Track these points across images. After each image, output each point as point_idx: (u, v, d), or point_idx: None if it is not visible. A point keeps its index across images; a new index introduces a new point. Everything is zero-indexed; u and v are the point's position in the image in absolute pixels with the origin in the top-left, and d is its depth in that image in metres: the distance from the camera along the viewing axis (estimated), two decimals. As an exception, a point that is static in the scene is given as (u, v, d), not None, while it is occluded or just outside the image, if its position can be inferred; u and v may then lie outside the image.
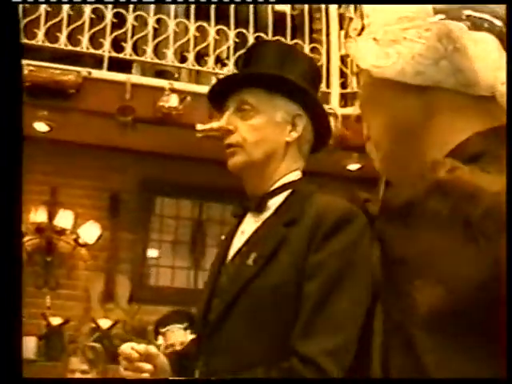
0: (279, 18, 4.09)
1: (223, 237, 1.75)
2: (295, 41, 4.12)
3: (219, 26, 3.97)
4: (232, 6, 3.91)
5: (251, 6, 3.94)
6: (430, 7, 0.84)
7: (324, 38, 4.03)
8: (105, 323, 4.36)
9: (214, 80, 4.21)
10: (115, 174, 4.61)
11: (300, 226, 1.52)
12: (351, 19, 0.99)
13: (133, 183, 4.79)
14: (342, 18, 4.10)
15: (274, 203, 1.59)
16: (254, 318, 1.45)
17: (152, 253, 4.96)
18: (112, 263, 4.64)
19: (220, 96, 1.64)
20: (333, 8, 4.02)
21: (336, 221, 1.49)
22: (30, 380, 1.17)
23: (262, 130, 1.58)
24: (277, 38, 3.93)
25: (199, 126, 4.09)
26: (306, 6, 4.05)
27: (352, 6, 3.98)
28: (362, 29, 0.90)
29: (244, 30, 3.96)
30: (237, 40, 3.95)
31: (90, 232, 4.61)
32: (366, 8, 0.92)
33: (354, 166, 4.53)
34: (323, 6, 4.03)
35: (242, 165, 1.57)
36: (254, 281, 1.48)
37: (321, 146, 1.74)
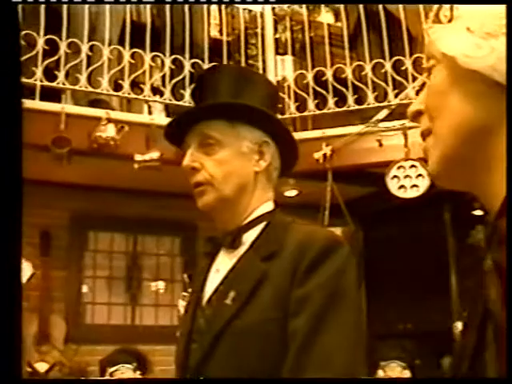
0: (215, 44, 4.11)
1: (185, 276, 1.70)
2: (230, 67, 4.13)
3: (154, 53, 3.94)
4: (168, 33, 3.90)
5: (187, 33, 3.94)
6: None
7: (260, 63, 4.08)
8: (42, 367, 4.16)
9: (146, 108, 4.17)
10: (46, 209, 4.44)
11: (280, 259, 1.45)
12: (440, 6, 0.93)
13: (64, 218, 4.63)
14: (277, 43, 4.19)
15: (248, 237, 1.53)
16: (237, 360, 1.39)
17: (86, 290, 4.78)
18: (45, 303, 4.43)
19: (178, 132, 1.57)
20: (269, 34, 4.10)
21: (319, 251, 1.43)
22: (30, 380, 1.14)
23: (228, 164, 1.52)
24: (213, 64, 3.96)
25: (137, 157, 4.05)
26: (242, 32, 4.11)
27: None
28: (451, 19, 0.87)
29: (180, 57, 3.95)
30: (172, 67, 3.93)
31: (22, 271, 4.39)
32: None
33: (291, 193, 4.57)
34: (259, 32, 4.10)
35: (214, 203, 1.51)
36: (234, 321, 1.41)
37: (287, 171, 1.68)
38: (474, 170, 0.85)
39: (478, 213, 4.91)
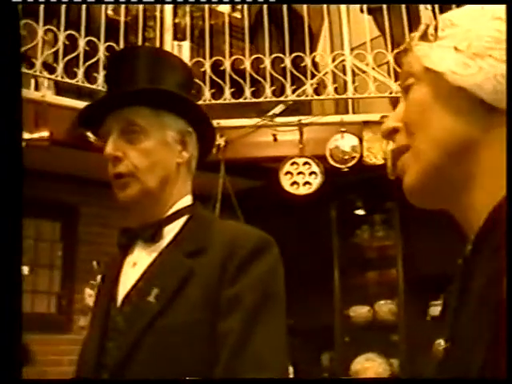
0: (111, 23, 4.02)
1: (95, 262, 1.66)
2: (126, 49, 4.05)
3: (48, 26, 3.80)
4: (63, 7, 3.78)
5: (84, 9, 3.83)
6: None
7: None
8: None
9: (33, 84, 4.02)
10: None
11: (208, 256, 1.42)
12: (427, 27, 0.94)
13: None
14: (176, 28, 4.16)
15: (170, 231, 1.49)
16: (163, 360, 1.35)
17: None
18: None
19: (96, 116, 1.50)
20: (168, 17, 4.06)
21: (251, 250, 1.41)
22: (30, 380, 1.14)
23: (153, 155, 1.47)
24: (108, 44, 3.88)
25: (25, 135, 3.93)
26: (141, 13, 4.05)
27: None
28: (436, 40, 0.90)
29: (75, 33, 3.83)
30: (66, 42, 3.82)
31: None
32: (450, 18, 0.91)
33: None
34: (158, 15, 4.06)
35: (137, 196, 1.46)
36: (159, 319, 1.37)
37: (202, 161, 1.64)
38: (454, 188, 0.86)
39: (361, 212, 5.11)
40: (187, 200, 1.55)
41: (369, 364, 4.69)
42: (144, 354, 1.34)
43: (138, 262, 1.46)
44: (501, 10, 0.88)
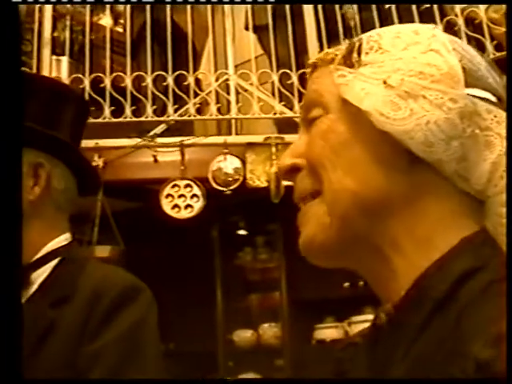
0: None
1: None
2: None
3: None
4: None
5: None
6: (461, 78, 0.77)
7: (35, 61, 4.10)
8: None
9: None
10: None
11: (72, 306, 1.36)
12: (351, 48, 0.84)
13: None
14: (55, 41, 4.21)
15: (38, 276, 1.42)
16: None
17: None
18: None
19: None
20: (47, 31, 4.12)
21: (116, 299, 1.36)
22: (29, 380, 1.14)
23: None
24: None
25: None
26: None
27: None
28: (359, 65, 0.81)
29: None
30: None
31: None
32: (377, 39, 0.82)
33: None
34: (36, 28, 4.11)
35: None
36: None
37: (90, 189, 1.62)
38: (369, 251, 0.79)
39: (243, 233, 5.31)
40: (61, 240, 1.49)
41: None
42: None
43: None
44: (439, 41, 0.80)
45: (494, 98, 0.79)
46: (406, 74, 0.77)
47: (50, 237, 1.48)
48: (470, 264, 0.72)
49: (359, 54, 0.81)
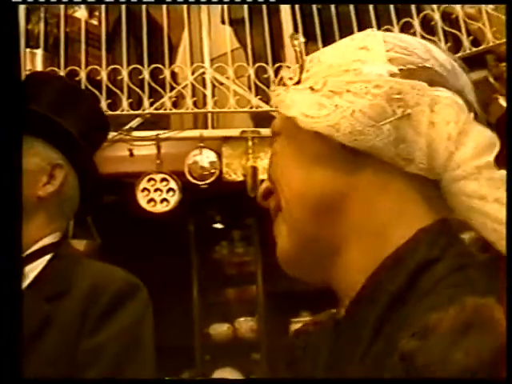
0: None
1: None
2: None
3: None
4: None
5: None
6: (385, 70, 0.79)
7: (8, 54, 4.11)
8: None
9: None
10: None
11: (69, 300, 1.38)
12: (288, 67, 0.91)
13: None
14: (29, 34, 4.21)
15: (32, 270, 1.44)
16: None
17: None
18: None
19: None
20: (21, 23, 4.10)
21: (115, 296, 1.38)
22: (30, 380, 1.14)
23: None
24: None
25: None
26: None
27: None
28: (299, 81, 0.85)
29: None
30: None
31: None
32: (319, 55, 0.86)
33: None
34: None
35: None
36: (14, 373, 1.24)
37: (87, 209, 1.66)
38: (327, 254, 0.82)
39: (219, 226, 5.34)
40: (53, 237, 1.52)
41: (227, 374, 4.89)
42: None
43: None
44: (371, 38, 0.83)
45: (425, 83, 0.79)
46: (332, 75, 0.81)
47: (45, 234, 1.50)
48: (426, 256, 0.73)
49: (301, 72, 0.85)
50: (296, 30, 4.36)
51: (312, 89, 0.81)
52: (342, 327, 0.81)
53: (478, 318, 0.61)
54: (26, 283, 1.43)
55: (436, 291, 0.68)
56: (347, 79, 0.79)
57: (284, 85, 0.87)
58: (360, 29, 2.80)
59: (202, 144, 4.11)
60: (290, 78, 0.86)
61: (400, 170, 0.77)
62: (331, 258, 0.81)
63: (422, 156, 0.76)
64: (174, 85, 4.25)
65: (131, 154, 4.09)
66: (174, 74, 4.37)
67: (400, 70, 0.79)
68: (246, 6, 4.40)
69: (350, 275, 0.80)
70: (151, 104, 4.16)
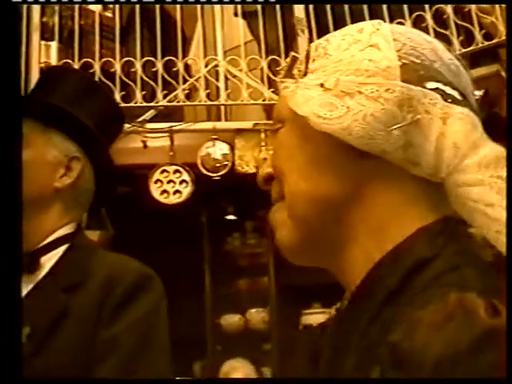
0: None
1: None
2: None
3: None
4: None
5: None
6: (397, 69, 0.80)
7: (24, 47, 4.13)
8: None
9: None
10: None
11: (86, 291, 1.40)
12: (294, 58, 0.90)
13: None
14: (44, 26, 4.24)
15: (47, 261, 1.46)
16: None
17: None
18: None
19: None
20: (35, 16, 4.16)
21: (130, 287, 1.40)
22: (29, 380, 1.15)
23: (28, 167, 1.38)
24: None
25: None
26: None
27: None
28: (306, 73, 0.85)
29: None
30: None
31: None
32: (325, 45, 0.86)
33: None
34: (24, 13, 4.14)
35: None
36: (32, 361, 1.29)
37: (102, 201, 1.68)
38: (331, 249, 0.84)
39: (231, 218, 5.36)
40: (69, 228, 1.54)
41: (239, 364, 4.95)
42: None
43: None
44: (380, 35, 0.83)
45: (436, 85, 0.81)
46: (343, 73, 0.81)
47: (61, 224, 1.53)
48: (423, 254, 0.74)
49: (307, 61, 0.86)
50: (309, 22, 4.37)
51: (322, 86, 0.81)
52: (341, 318, 0.84)
53: (460, 310, 0.63)
54: (42, 273, 1.46)
55: (429, 289, 0.69)
56: (359, 80, 0.79)
57: (292, 76, 0.87)
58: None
59: (215, 136, 4.13)
60: (299, 69, 0.86)
61: (406, 171, 0.79)
62: (335, 253, 0.84)
63: (430, 161, 0.78)
64: (188, 77, 4.26)
65: (145, 146, 4.12)
66: (187, 67, 4.38)
67: (410, 74, 0.80)
68: (259, -1, 4.41)
69: (352, 269, 0.82)
70: (164, 96, 4.17)
